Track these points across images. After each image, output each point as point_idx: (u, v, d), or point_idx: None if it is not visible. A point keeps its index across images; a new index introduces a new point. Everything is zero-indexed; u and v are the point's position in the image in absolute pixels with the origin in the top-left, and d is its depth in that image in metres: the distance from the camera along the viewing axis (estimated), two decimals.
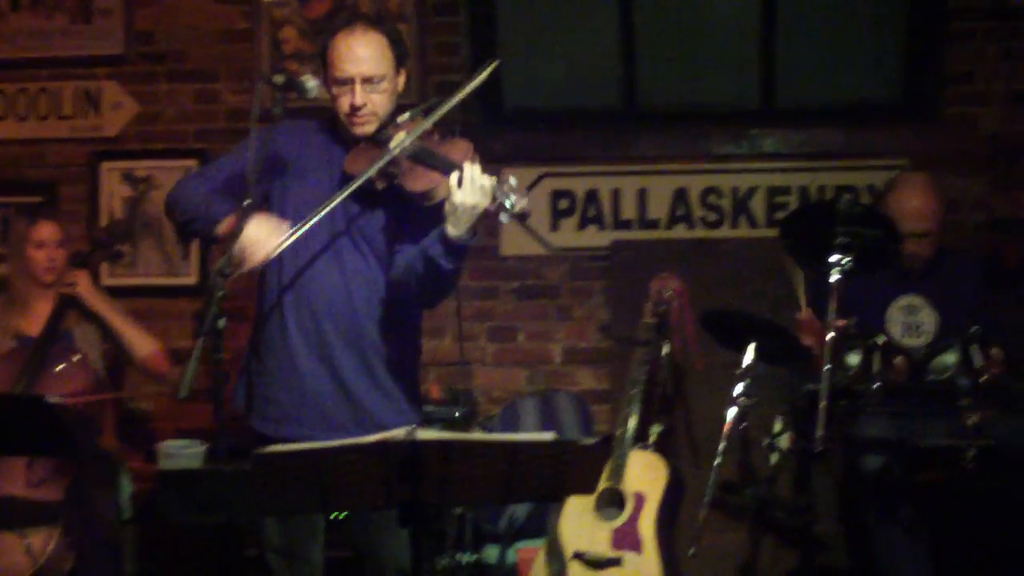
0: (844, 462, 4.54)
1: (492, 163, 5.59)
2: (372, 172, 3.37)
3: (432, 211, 3.34)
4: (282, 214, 3.49)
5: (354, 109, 3.47)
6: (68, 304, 4.79)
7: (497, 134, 5.73)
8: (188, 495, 3.09)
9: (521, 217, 3.22)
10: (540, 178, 5.69)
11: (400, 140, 3.40)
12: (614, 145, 5.70)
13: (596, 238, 5.67)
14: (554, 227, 5.69)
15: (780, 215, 5.47)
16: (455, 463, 2.76)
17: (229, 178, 3.58)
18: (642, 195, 5.67)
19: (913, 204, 4.51)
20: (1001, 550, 4.26)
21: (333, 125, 3.61)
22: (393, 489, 2.79)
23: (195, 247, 5.78)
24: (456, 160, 3.29)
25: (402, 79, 3.59)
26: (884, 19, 5.75)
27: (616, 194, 5.68)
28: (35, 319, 4.83)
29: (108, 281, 5.75)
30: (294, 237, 3.36)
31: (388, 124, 3.51)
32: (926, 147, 5.49)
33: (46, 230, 4.86)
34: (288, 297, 3.57)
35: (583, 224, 5.69)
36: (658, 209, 5.65)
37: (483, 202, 3.21)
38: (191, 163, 5.78)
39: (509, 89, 5.89)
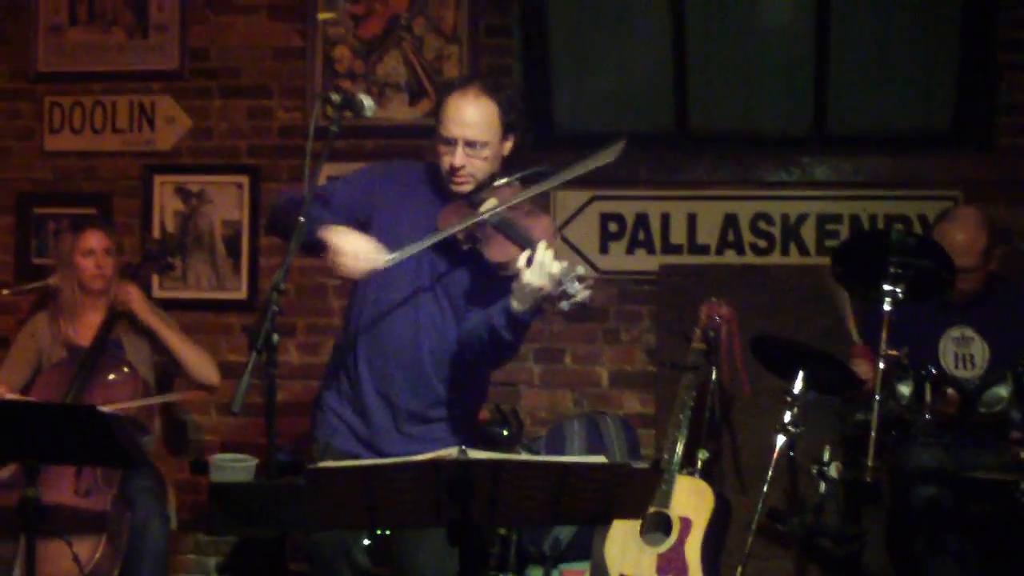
0: (894, 492, 4.51)
1: (544, 178, 5.67)
2: (455, 230, 3.46)
3: (510, 280, 3.39)
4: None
5: (453, 169, 3.56)
6: (119, 315, 4.84)
7: (547, 155, 5.71)
8: (238, 509, 3.10)
9: (581, 307, 3.28)
10: (590, 201, 5.69)
11: (490, 206, 3.48)
12: (664, 169, 5.69)
13: (645, 262, 5.66)
14: (603, 250, 5.69)
15: (830, 243, 5.44)
16: (505, 483, 2.76)
17: (337, 198, 3.71)
18: (692, 220, 5.65)
19: (958, 239, 4.47)
20: None
21: (436, 175, 3.67)
22: (443, 507, 2.79)
23: (244, 263, 5.81)
24: (535, 238, 3.35)
25: (508, 145, 3.67)
26: (937, 48, 5.72)
27: (666, 218, 5.66)
28: (86, 329, 4.88)
29: (159, 294, 5.80)
30: (393, 261, 3.45)
31: (485, 186, 3.58)
32: (978, 176, 5.44)
33: (94, 238, 4.91)
34: (364, 335, 3.69)
35: (632, 248, 5.67)
36: (708, 234, 5.63)
37: (547, 286, 3.26)
38: (243, 179, 5.83)
39: (560, 110, 5.90)
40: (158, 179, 5.91)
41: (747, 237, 5.62)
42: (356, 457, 3.54)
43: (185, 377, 5.02)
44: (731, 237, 5.63)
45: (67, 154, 5.99)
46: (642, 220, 5.67)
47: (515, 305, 3.35)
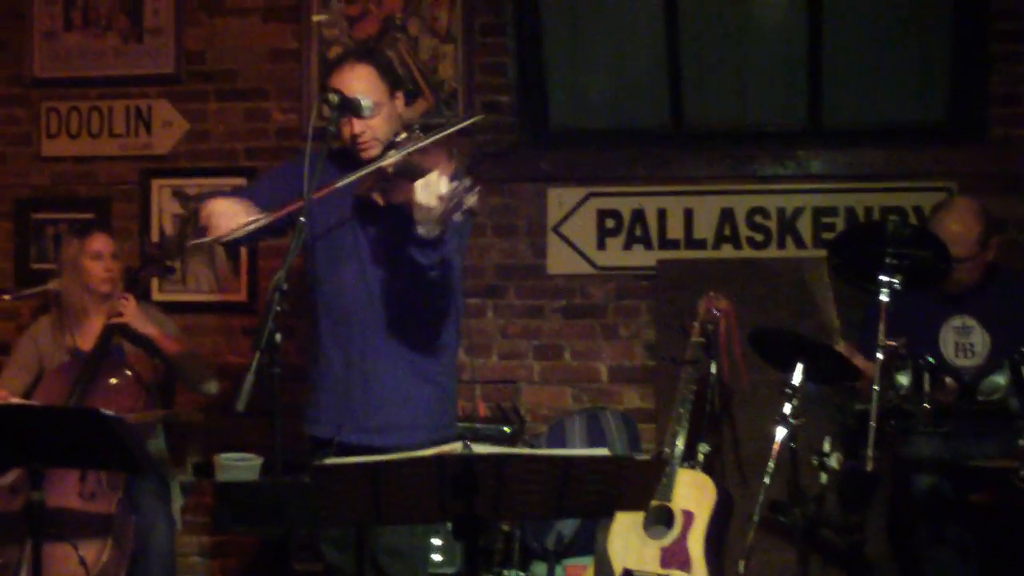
0: (894, 482, 4.53)
1: (539, 182, 5.71)
2: (357, 176, 3.64)
3: None
4: (313, 237, 3.86)
5: (355, 139, 3.79)
6: (115, 331, 4.83)
7: (543, 153, 5.76)
8: (244, 508, 3.11)
9: (471, 214, 3.49)
10: (586, 197, 5.71)
11: (390, 159, 3.62)
12: (660, 165, 5.70)
13: (642, 257, 5.67)
14: (600, 246, 5.70)
15: (827, 235, 5.47)
16: (509, 477, 2.78)
17: (257, 194, 3.88)
18: (688, 215, 5.67)
19: (953, 229, 4.49)
20: None
21: (349, 152, 3.86)
22: (447, 502, 2.81)
23: (243, 265, 5.83)
24: (427, 167, 3.49)
25: (399, 102, 3.90)
26: (929, 40, 5.74)
27: (662, 214, 5.68)
28: (88, 334, 4.89)
29: (159, 297, 5.81)
30: (260, 224, 3.66)
31: (390, 145, 3.72)
32: (972, 168, 5.47)
33: (101, 241, 4.93)
34: (325, 313, 3.94)
35: (629, 243, 5.69)
36: (704, 229, 5.66)
37: (438, 204, 3.38)
38: (240, 181, 5.82)
39: (555, 108, 5.92)
40: (156, 183, 5.92)
41: (744, 231, 5.64)
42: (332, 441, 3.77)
43: (184, 384, 5.03)
44: (728, 231, 5.65)
45: (64, 159, 6.00)
46: (639, 216, 5.69)
47: (418, 229, 3.49)
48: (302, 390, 5.65)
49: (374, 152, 3.75)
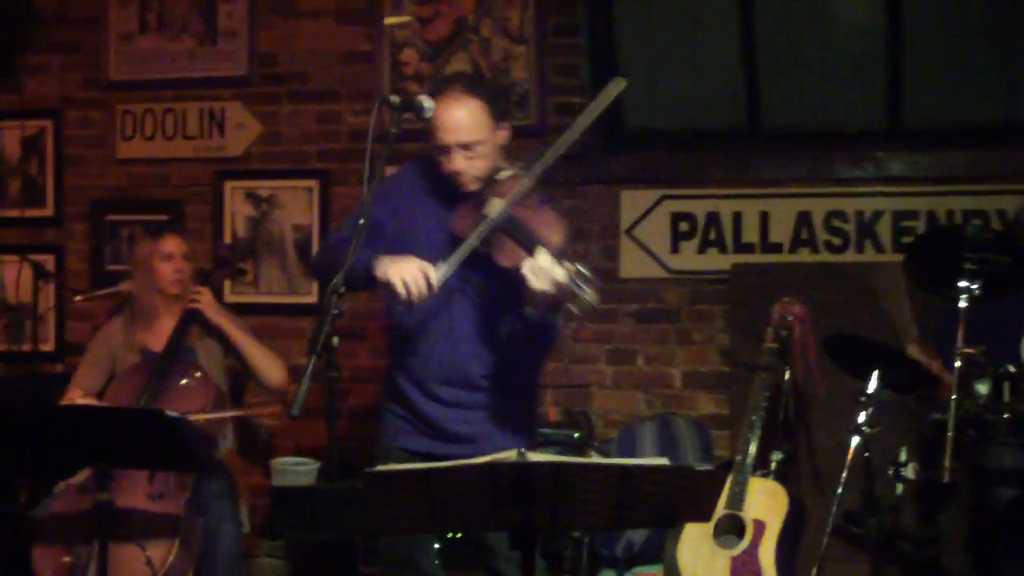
0: (973, 494, 4.40)
1: (612, 184, 5.64)
2: (472, 243, 3.47)
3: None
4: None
5: (454, 174, 3.61)
6: (191, 319, 4.86)
7: (617, 155, 5.69)
8: (300, 513, 3.08)
9: (592, 309, 3.33)
10: (660, 200, 5.63)
11: (496, 208, 3.49)
12: (736, 167, 5.62)
13: (717, 261, 5.59)
14: (674, 250, 5.62)
15: (907, 239, 5.33)
16: (566, 486, 2.71)
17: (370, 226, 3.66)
18: (764, 218, 5.57)
19: None
20: None
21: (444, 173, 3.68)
22: (504, 511, 2.75)
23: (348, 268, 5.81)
24: (540, 237, 3.39)
25: (503, 133, 3.68)
26: (1013, 37, 5.58)
27: (738, 217, 5.59)
28: (159, 334, 4.90)
29: (230, 298, 5.83)
30: (444, 277, 3.46)
31: (492, 179, 3.60)
32: None
33: (173, 243, 4.94)
34: (406, 350, 3.75)
35: (704, 247, 5.61)
36: (781, 233, 5.55)
37: (553, 291, 3.27)
38: (313, 183, 5.85)
39: (629, 109, 5.84)
40: (229, 184, 5.95)
41: (821, 235, 5.52)
42: (426, 455, 3.58)
43: (255, 380, 5.03)
44: (805, 235, 5.54)
45: (139, 161, 6.05)
46: (713, 219, 5.60)
47: (529, 310, 3.39)
48: (375, 394, 5.73)
49: (472, 187, 3.62)
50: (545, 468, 2.70)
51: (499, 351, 3.68)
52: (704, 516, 2.87)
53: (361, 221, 3.31)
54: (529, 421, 3.86)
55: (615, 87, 3.53)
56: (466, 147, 3.58)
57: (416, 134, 5.39)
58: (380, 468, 2.68)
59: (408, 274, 3.44)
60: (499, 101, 3.71)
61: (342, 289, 3.19)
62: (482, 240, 3.49)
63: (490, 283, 3.61)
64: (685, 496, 2.76)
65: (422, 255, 3.54)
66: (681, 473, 2.75)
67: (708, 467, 2.81)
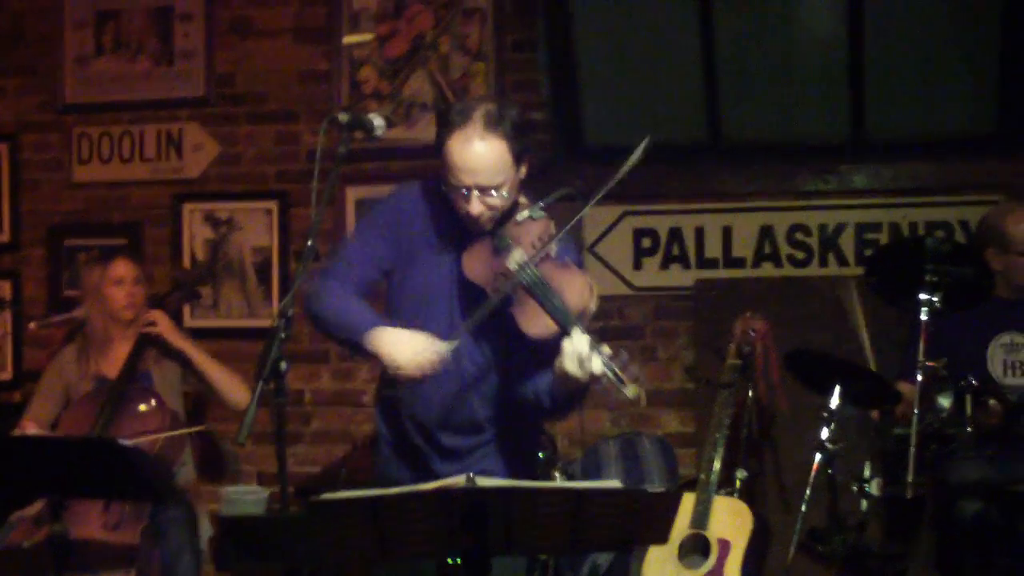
0: (937, 509, 4.36)
1: (574, 201, 5.57)
2: (493, 305, 3.16)
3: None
4: (399, 300, 3.42)
5: (470, 217, 3.25)
6: (147, 344, 4.79)
7: (577, 170, 5.63)
8: (248, 542, 3.01)
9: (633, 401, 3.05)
10: (622, 216, 5.59)
11: (518, 260, 3.16)
12: (697, 181, 5.59)
13: (680, 277, 5.55)
14: (636, 266, 5.58)
15: (870, 252, 5.30)
16: (518, 511, 2.66)
17: (363, 268, 3.44)
18: (727, 233, 5.54)
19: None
20: None
21: (447, 202, 3.33)
22: (455, 537, 2.70)
23: (275, 290, 5.76)
24: (570, 308, 3.10)
25: (524, 169, 3.31)
26: (976, 50, 5.58)
27: (700, 232, 5.56)
28: (114, 361, 4.84)
29: (190, 323, 5.77)
30: (452, 349, 3.17)
31: (508, 218, 3.27)
32: (1021, 180, 5.28)
33: (123, 267, 4.88)
34: (407, 391, 3.38)
35: (666, 263, 5.57)
36: (743, 247, 5.52)
37: (586, 379, 3.02)
38: (272, 204, 5.78)
39: (589, 125, 5.81)
40: (187, 207, 5.89)
41: (784, 249, 5.50)
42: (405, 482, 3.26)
43: (218, 400, 4.96)
44: (768, 249, 5.51)
45: (96, 184, 5.98)
46: (676, 234, 5.57)
47: (559, 389, 3.14)
48: (337, 418, 5.68)
49: (487, 228, 3.26)
50: (496, 493, 2.65)
51: (512, 398, 3.37)
52: (660, 538, 2.80)
53: (309, 243, 3.22)
54: (528, 462, 3.57)
55: (644, 146, 3.32)
56: (486, 190, 3.21)
57: (381, 153, 5.46)
58: (325, 496, 2.62)
59: (412, 359, 3.16)
60: (522, 138, 3.25)
61: (290, 312, 3.12)
62: (504, 296, 3.16)
63: (507, 331, 3.23)
64: (640, 519, 2.71)
65: (429, 292, 3.33)
66: (635, 496, 2.70)
67: (661, 489, 2.75)
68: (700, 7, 5.62)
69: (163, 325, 4.80)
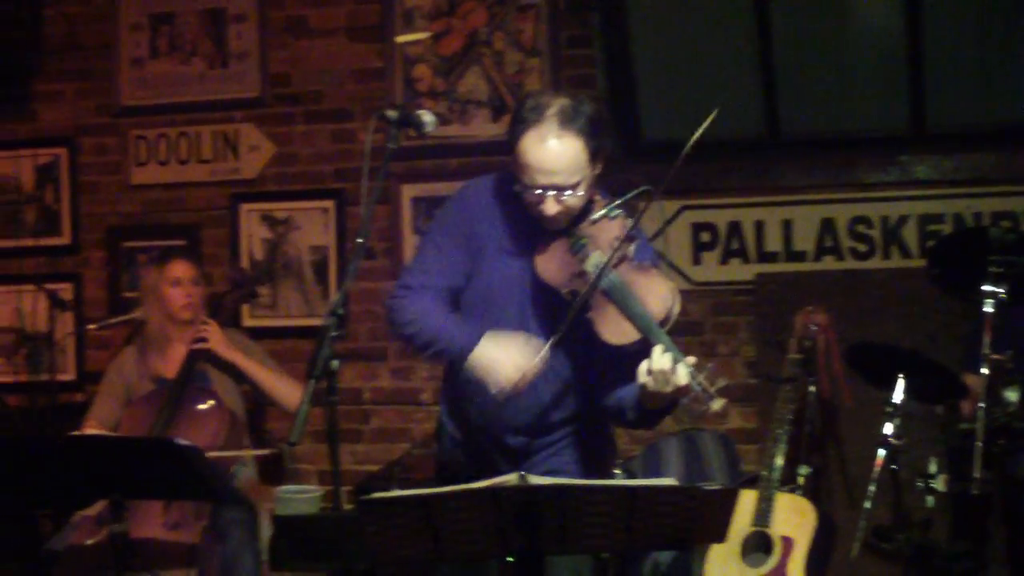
0: (1007, 505, 4.27)
1: (650, 199, 5.51)
2: (571, 317, 3.07)
3: None
4: (469, 299, 3.34)
5: (545, 218, 3.17)
6: (199, 358, 4.78)
7: (635, 166, 5.58)
8: (301, 542, 2.99)
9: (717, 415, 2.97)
10: (680, 211, 5.54)
11: (596, 263, 3.09)
12: (757, 175, 5.52)
13: (740, 272, 5.49)
14: (696, 261, 5.53)
15: (933, 244, 5.20)
16: (571, 509, 2.62)
17: (442, 276, 3.36)
18: (787, 226, 5.47)
19: None
20: None
21: (517, 198, 3.23)
22: (509, 536, 2.66)
23: (332, 288, 5.75)
24: (652, 315, 3.02)
25: (600, 165, 3.22)
26: None
27: (760, 226, 5.49)
28: (173, 361, 4.84)
29: (249, 323, 5.78)
30: (545, 357, 3.10)
31: (582, 218, 3.19)
32: None
33: (180, 267, 4.88)
34: (478, 391, 3.28)
35: (726, 257, 5.52)
36: (804, 240, 5.45)
37: (671, 393, 2.95)
38: (328, 203, 5.78)
39: (646, 120, 5.76)
40: (244, 207, 5.90)
41: (846, 242, 5.42)
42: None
43: (274, 406, 4.97)
44: (829, 242, 5.44)
45: (154, 187, 6.02)
46: (735, 228, 5.51)
47: (646, 403, 3.05)
48: (396, 416, 5.67)
49: (560, 226, 3.18)
50: (549, 491, 2.61)
51: (587, 397, 3.30)
52: (717, 537, 2.76)
53: (359, 240, 3.20)
54: (602, 460, 3.51)
55: (710, 116, 3.08)
56: (561, 190, 3.11)
57: (437, 150, 5.45)
58: (377, 495, 2.60)
59: (507, 375, 3.10)
60: (598, 135, 3.14)
61: (341, 311, 3.11)
62: (583, 301, 3.07)
63: (585, 336, 3.14)
64: (696, 517, 2.67)
65: (501, 293, 3.26)
66: (689, 494, 2.66)
67: (717, 486, 2.69)
68: (756, 1, 5.54)
69: (213, 340, 4.78)
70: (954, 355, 4.65)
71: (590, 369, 3.26)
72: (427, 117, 3.39)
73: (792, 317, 4.83)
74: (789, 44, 5.59)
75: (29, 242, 6.08)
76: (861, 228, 5.41)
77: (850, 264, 5.40)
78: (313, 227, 5.83)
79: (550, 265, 3.17)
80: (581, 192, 3.14)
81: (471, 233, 3.33)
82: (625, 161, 5.63)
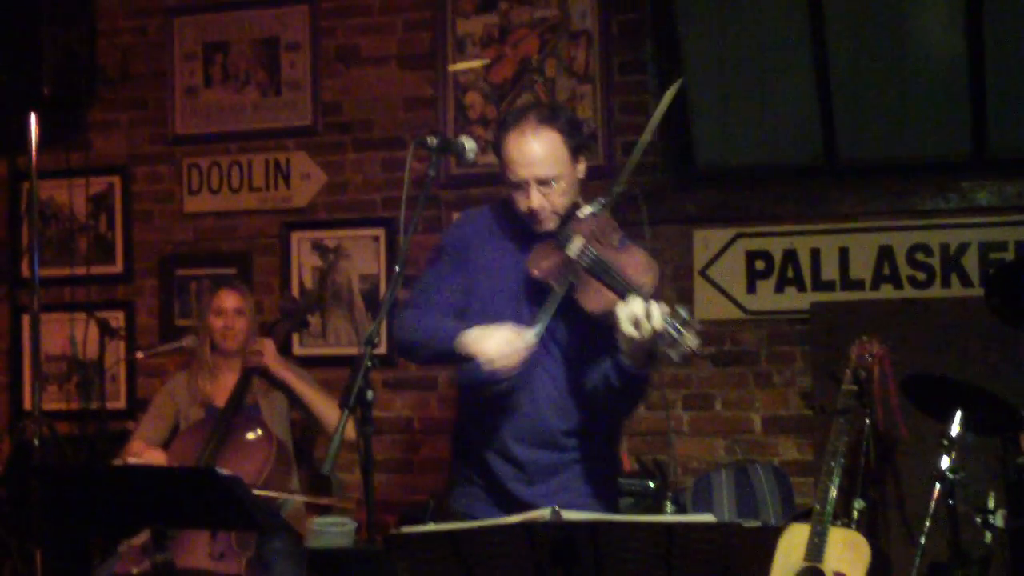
0: None
1: (685, 224, 5.47)
2: (558, 295, 3.27)
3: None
4: (468, 310, 3.46)
5: (532, 212, 3.35)
6: (253, 374, 4.79)
7: (689, 193, 5.53)
8: (332, 575, 2.95)
9: (691, 355, 3.07)
10: (735, 238, 5.45)
11: (578, 246, 3.26)
12: (812, 202, 5.42)
13: (795, 301, 5.39)
14: (751, 289, 5.43)
15: (992, 271, 5.08)
16: (608, 545, 2.56)
17: (441, 294, 3.52)
18: (844, 254, 5.36)
19: None
20: None
21: (513, 214, 3.43)
22: (545, 571, 2.60)
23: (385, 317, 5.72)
24: (631, 280, 3.14)
25: (582, 167, 3.42)
26: None
27: (816, 254, 5.38)
28: (222, 390, 4.85)
29: (299, 352, 5.77)
30: (539, 335, 3.26)
31: (569, 217, 3.35)
32: None
33: (227, 298, 4.90)
34: (480, 401, 3.43)
35: (781, 286, 5.41)
36: (861, 269, 5.33)
37: (650, 339, 3.04)
38: (379, 231, 5.75)
39: (701, 146, 5.68)
40: (295, 235, 5.89)
41: (904, 270, 5.30)
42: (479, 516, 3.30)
43: (323, 433, 4.94)
44: (887, 270, 5.31)
45: (206, 214, 6.03)
46: (791, 256, 5.40)
47: (625, 360, 3.15)
48: (446, 445, 5.61)
49: (549, 226, 3.35)
50: (584, 527, 2.54)
51: (585, 404, 3.40)
52: (759, 573, 2.67)
53: (396, 268, 3.18)
54: (610, 488, 3.56)
55: (673, 88, 3.49)
56: (544, 182, 3.31)
57: (491, 178, 5.39)
58: (405, 530, 2.54)
59: (498, 349, 3.22)
60: (576, 133, 3.40)
61: (376, 340, 3.06)
62: (568, 285, 3.26)
63: (575, 330, 3.37)
64: (736, 553, 2.59)
65: (496, 299, 3.39)
66: (728, 530, 2.58)
67: (757, 524, 2.61)
68: (812, 25, 5.47)
69: (268, 355, 4.79)
70: (1013, 387, 4.54)
71: (583, 362, 3.36)
72: (468, 144, 3.40)
73: (848, 347, 4.73)
74: (847, 69, 5.51)
75: (82, 270, 6.11)
76: (920, 256, 5.29)
77: (908, 293, 5.28)
78: (363, 255, 5.81)
79: (540, 263, 3.34)
80: (564, 187, 3.33)
81: (466, 255, 3.51)
82: (678, 187, 5.57)
